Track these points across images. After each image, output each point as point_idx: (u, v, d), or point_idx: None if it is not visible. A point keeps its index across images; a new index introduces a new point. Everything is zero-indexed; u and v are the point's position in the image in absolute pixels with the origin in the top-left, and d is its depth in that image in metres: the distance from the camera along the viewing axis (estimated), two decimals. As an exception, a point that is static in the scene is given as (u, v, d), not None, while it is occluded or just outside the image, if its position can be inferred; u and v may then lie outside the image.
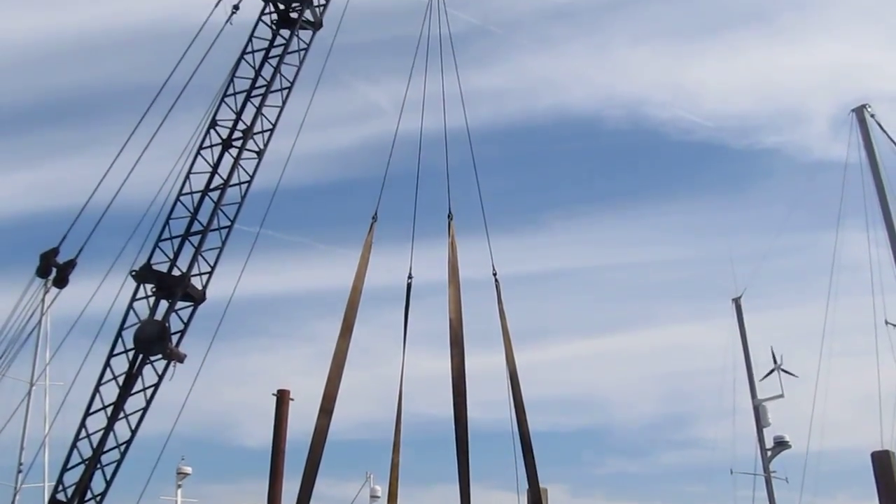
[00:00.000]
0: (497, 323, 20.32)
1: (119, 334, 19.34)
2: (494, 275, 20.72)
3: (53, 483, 19.00)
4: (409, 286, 20.28)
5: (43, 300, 20.50)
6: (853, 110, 31.42)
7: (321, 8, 21.96)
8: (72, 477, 18.33)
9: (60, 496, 18.23)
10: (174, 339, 19.43)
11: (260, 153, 20.81)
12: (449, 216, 20.82)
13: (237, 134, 20.62)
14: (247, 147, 20.58)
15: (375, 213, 20.31)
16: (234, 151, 20.51)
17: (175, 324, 19.59)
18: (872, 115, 31.00)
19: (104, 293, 20.18)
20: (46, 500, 19.84)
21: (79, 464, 18.34)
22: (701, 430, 60.82)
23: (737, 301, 34.98)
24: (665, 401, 72.74)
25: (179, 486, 34.44)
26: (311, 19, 21.79)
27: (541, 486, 19.43)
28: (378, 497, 47.13)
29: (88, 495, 18.44)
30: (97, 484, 18.53)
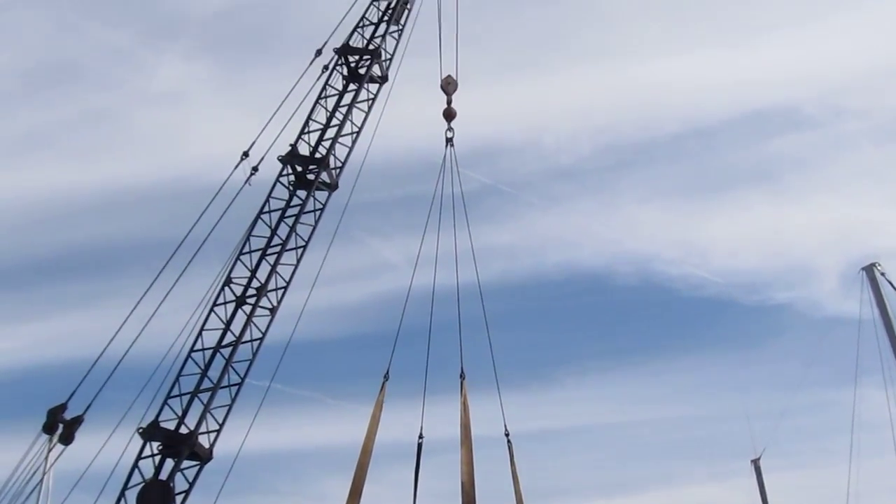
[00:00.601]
0: (510, 484, 19.86)
1: (122, 494, 18.91)
2: (507, 436, 20.41)
3: None
4: (419, 446, 19.99)
5: (47, 458, 20.19)
6: (863, 269, 31.71)
7: (337, 170, 22.67)
8: None
9: None
10: (178, 499, 18.98)
11: (273, 310, 20.96)
12: (461, 376, 20.72)
13: (251, 291, 20.84)
14: (260, 304, 20.77)
15: (387, 373, 20.25)
16: (247, 308, 20.69)
17: (180, 483, 19.18)
18: (883, 274, 31.22)
19: (109, 448, 19.92)
20: None
21: None
22: None
23: (756, 462, 34.14)
24: (683, 565, 69.51)
25: None
26: (328, 181, 22.44)
27: None
28: None
29: None
30: None
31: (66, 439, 20.03)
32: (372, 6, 24.31)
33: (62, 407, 20.12)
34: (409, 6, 24.65)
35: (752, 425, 34.86)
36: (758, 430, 35.43)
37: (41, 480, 20.78)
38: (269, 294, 20.92)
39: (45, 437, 20.16)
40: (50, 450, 20.12)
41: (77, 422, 20.02)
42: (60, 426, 20.02)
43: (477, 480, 19.42)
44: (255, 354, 20.49)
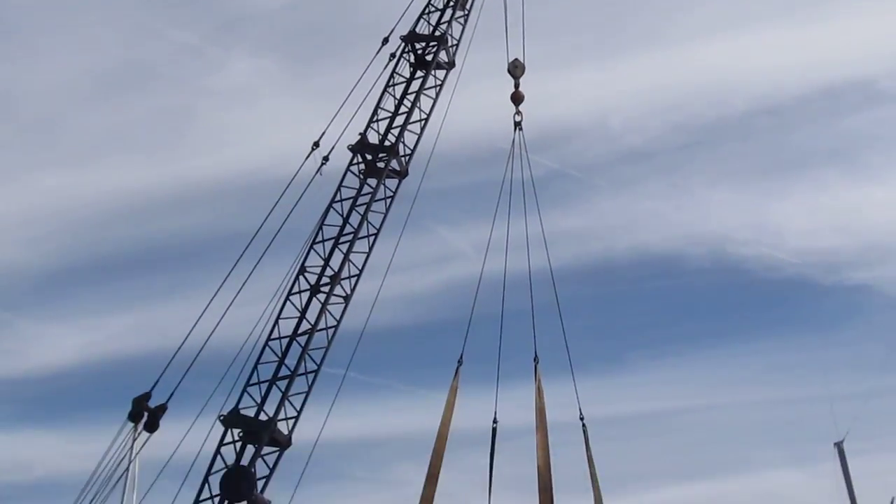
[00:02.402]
0: (585, 468, 19.73)
1: (206, 479, 19.37)
2: (582, 420, 20.27)
3: None
4: (494, 431, 19.97)
5: (132, 445, 20.76)
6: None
7: (407, 158, 22.75)
8: None
9: None
10: (260, 484, 19.36)
11: (347, 298, 21.19)
12: (535, 359, 20.63)
13: (325, 280, 21.09)
14: (334, 292, 21.01)
15: (461, 358, 20.27)
16: (321, 297, 20.94)
17: (261, 469, 19.57)
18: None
19: (192, 436, 20.41)
20: None
21: None
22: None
23: (839, 446, 33.24)
24: (764, 551, 68.12)
25: None
26: (397, 168, 22.55)
27: None
28: None
29: None
30: None
31: (151, 427, 20.60)
32: (437, -8, 24.30)
33: (146, 396, 20.69)
34: (474, -9, 24.53)
35: (834, 408, 33.96)
36: (841, 412, 34.49)
37: (128, 467, 21.37)
38: (342, 282, 21.15)
39: (130, 425, 20.74)
40: (136, 438, 20.69)
41: (161, 410, 20.57)
42: (145, 414, 20.58)
43: (552, 465, 19.34)
44: (330, 342, 20.76)
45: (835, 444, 33.05)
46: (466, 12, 24.37)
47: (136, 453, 20.97)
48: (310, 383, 20.34)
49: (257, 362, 20.31)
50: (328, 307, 20.88)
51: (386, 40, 23.86)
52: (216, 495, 19.12)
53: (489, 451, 19.99)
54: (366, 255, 21.67)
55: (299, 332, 20.65)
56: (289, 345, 20.47)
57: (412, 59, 23.68)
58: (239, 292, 21.39)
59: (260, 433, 19.60)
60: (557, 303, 21.65)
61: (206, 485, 19.32)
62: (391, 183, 22.44)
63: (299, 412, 20.13)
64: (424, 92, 23.36)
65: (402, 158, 22.69)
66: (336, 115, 22.96)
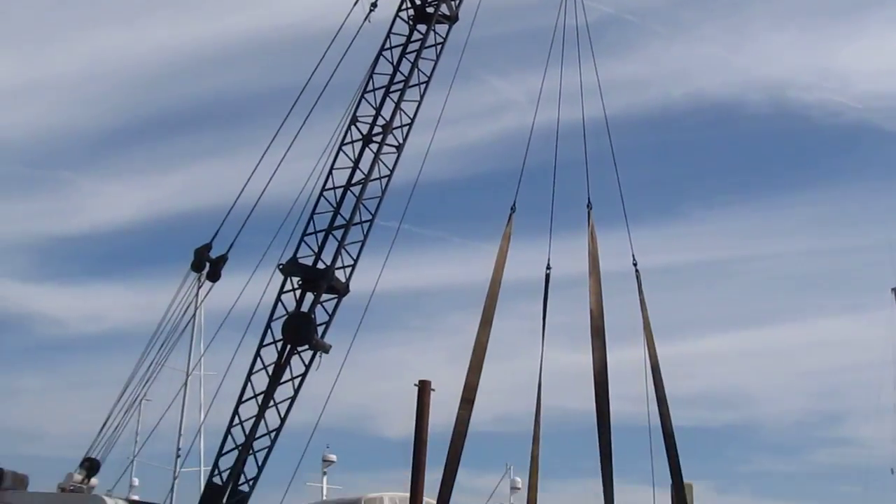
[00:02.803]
0: (638, 315, 19.91)
1: (268, 326, 20.09)
2: (635, 265, 20.30)
3: (209, 468, 19.92)
4: (547, 277, 20.08)
5: (197, 294, 21.50)
6: None
7: (456, 2, 22.09)
8: (226, 462, 19.18)
9: (216, 480, 19.10)
10: (319, 330, 20.03)
11: (399, 147, 21.17)
12: (588, 205, 20.51)
13: (377, 129, 21.03)
14: (386, 142, 20.98)
15: (514, 205, 20.24)
16: (374, 147, 20.95)
17: (320, 315, 20.21)
18: None
19: (252, 287, 21.04)
20: (203, 483, 20.80)
21: (232, 449, 19.17)
22: (855, 429, 57.62)
23: (896, 290, 33.02)
24: (815, 397, 69.24)
25: (325, 474, 35.47)
26: (447, 13, 21.95)
27: (685, 481, 18.94)
28: (518, 489, 47.05)
29: (242, 479, 19.26)
30: (250, 469, 19.34)
31: (213, 277, 21.23)
32: None
33: (207, 246, 21.22)
34: None
35: (894, 254, 33.48)
36: (899, 259, 34.04)
37: (194, 315, 22.25)
38: (394, 131, 21.08)
39: (193, 275, 21.42)
40: (199, 286, 21.41)
41: (222, 260, 21.14)
42: (207, 265, 21.18)
43: (604, 313, 19.51)
44: (383, 191, 20.92)
45: (892, 289, 32.84)
46: None
47: (201, 301, 21.77)
48: (365, 232, 20.66)
49: (313, 212, 20.61)
50: (381, 157, 20.92)
51: None
52: (278, 340, 19.86)
53: (542, 298, 20.17)
54: (417, 103, 21.47)
55: (353, 182, 20.80)
56: (343, 194, 20.68)
57: None
58: (291, 146, 21.51)
59: (318, 281, 20.11)
60: (612, 151, 21.22)
61: (269, 331, 20.05)
62: (441, 29, 21.91)
63: (356, 260, 20.56)
64: (474, -68, 22.40)
65: (452, 3, 22.05)
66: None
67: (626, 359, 21.05)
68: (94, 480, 22.25)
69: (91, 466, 22.12)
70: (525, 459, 19.44)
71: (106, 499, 20.02)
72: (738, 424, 70.06)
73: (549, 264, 20.12)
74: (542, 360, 19.47)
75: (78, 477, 21.80)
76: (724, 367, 68.70)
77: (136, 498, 23.32)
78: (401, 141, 21.19)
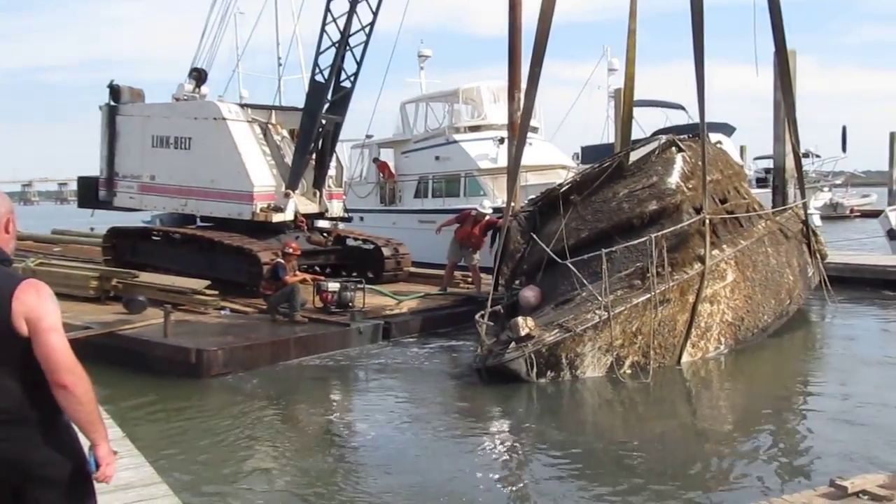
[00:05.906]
0: None
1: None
2: None
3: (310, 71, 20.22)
4: None
5: None
6: None
7: None
8: (326, 60, 19.39)
9: (318, 77, 19.47)
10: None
11: None
12: None
13: None
14: None
15: None
16: None
17: None
18: None
19: None
20: (306, 84, 21.20)
21: (329, 47, 19.24)
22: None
23: None
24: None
25: (422, 69, 35.77)
26: None
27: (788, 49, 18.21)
28: (615, 70, 47.05)
29: (343, 75, 19.63)
30: (349, 65, 19.61)
31: None
32: None
33: None
34: None
35: None
36: None
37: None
38: None
39: None
40: None
41: None
42: None
43: None
44: None
45: None
46: None
47: None
48: None
49: None
50: None
51: None
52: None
53: None
54: None
55: None
56: None
57: None
58: None
59: None
60: None
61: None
62: None
63: None
64: None
65: None
66: None
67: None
68: (204, 89, 23.19)
69: (199, 76, 22.92)
70: (622, 44, 19.00)
71: (219, 104, 20.86)
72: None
73: None
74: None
75: (189, 87, 22.72)
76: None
77: (246, 102, 24.22)
78: None
